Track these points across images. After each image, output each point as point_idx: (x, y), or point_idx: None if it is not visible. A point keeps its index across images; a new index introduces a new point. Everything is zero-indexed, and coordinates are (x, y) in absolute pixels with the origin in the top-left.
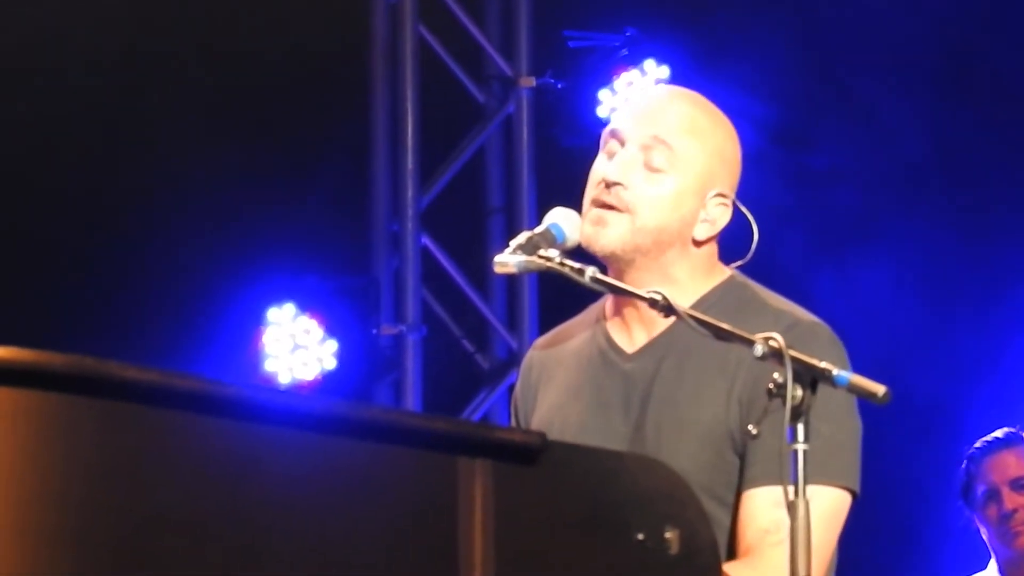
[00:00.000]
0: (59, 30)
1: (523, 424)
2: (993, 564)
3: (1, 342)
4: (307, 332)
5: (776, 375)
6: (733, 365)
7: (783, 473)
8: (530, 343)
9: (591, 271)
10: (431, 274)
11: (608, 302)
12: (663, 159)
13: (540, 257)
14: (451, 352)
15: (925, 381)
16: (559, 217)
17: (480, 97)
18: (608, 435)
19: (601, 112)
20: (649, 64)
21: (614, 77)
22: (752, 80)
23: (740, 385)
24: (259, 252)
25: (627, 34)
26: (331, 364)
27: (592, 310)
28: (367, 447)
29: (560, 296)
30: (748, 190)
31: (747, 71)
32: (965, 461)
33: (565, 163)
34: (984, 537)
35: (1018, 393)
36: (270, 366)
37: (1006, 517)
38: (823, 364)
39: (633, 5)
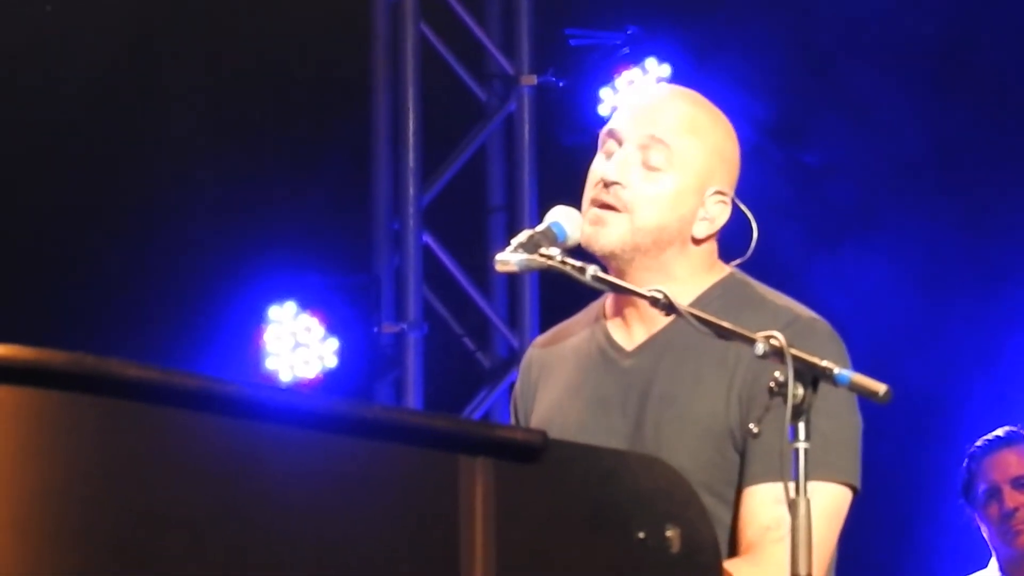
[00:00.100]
0: (59, 31)
1: (523, 422)
2: (994, 563)
3: (2, 341)
4: (308, 330)
5: (777, 373)
6: (732, 362)
7: (784, 470)
8: (531, 341)
9: (592, 269)
10: (432, 272)
11: (608, 300)
12: (661, 158)
13: (541, 255)
14: (452, 350)
15: (922, 376)
16: (560, 215)
17: (481, 95)
18: (607, 433)
19: (602, 110)
20: (650, 62)
21: (615, 75)
22: (752, 78)
23: (740, 382)
24: (260, 250)
25: (628, 32)
26: (332, 362)
27: (592, 308)
28: (368, 445)
29: (561, 294)
30: (747, 186)
31: (748, 69)
32: (966, 459)
33: (566, 161)
34: (985, 536)
35: (1015, 388)
36: (271, 364)
37: (1007, 516)
38: (824, 363)
39: (634, 3)
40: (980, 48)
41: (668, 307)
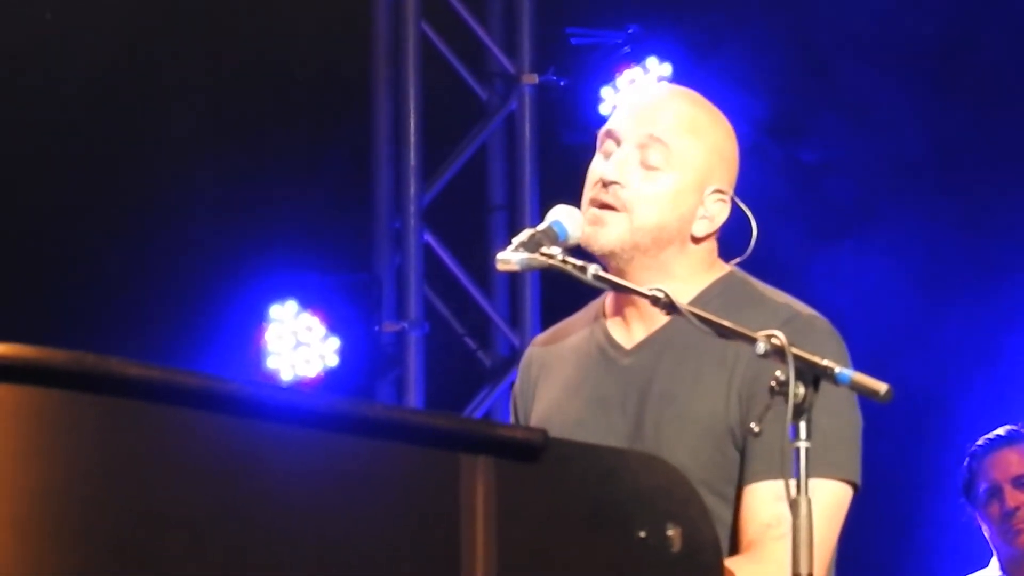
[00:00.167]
0: (59, 31)
1: (522, 421)
2: (995, 562)
3: (2, 340)
4: (309, 329)
5: (778, 372)
6: (732, 360)
7: (784, 467)
8: (532, 340)
9: (593, 268)
10: (433, 271)
11: (608, 299)
12: (660, 157)
13: (542, 254)
14: (453, 349)
15: (922, 375)
16: (561, 214)
17: (482, 94)
18: (607, 431)
19: (604, 109)
20: (651, 61)
21: (616, 74)
22: (752, 76)
23: (739, 380)
24: (261, 249)
25: (629, 31)
26: (333, 361)
27: (592, 307)
28: (369, 444)
29: (562, 294)
30: (747, 185)
31: (748, 67)
32: (967, 458)
33: (567, 160)
34: (986, 535)
35: (1015, 387)
36: (272, 363)
37: (1008, 515)
38: (825, 362)
39: (635, 2)
40: (980, 48)
41: (668, 306)
